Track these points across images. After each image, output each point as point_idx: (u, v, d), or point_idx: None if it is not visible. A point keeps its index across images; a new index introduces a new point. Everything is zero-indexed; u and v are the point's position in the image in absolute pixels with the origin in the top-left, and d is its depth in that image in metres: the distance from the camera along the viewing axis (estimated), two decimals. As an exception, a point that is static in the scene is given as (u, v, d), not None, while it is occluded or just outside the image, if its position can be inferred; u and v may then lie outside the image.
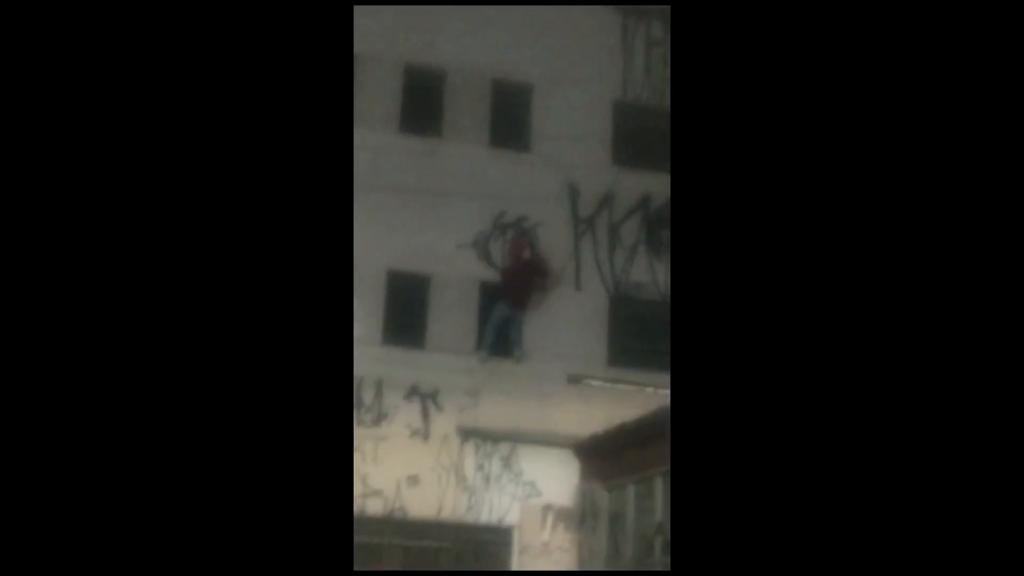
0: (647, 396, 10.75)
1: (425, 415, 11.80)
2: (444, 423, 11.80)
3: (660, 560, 10.01)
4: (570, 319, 12.41)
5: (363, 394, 11.64)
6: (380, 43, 12.47)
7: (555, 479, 11.81)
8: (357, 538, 10.90)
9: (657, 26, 13.45)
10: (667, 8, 12.75)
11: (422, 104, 12.60)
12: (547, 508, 11.81)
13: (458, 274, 12.25)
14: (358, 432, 11.40)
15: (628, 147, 13.08)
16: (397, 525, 11.39)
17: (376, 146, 11.90)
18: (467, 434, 11.80)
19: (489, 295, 12.23)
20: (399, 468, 11.51)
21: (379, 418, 11.60)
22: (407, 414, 11.69)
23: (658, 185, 12.78)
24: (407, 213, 12.08)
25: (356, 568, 11.17)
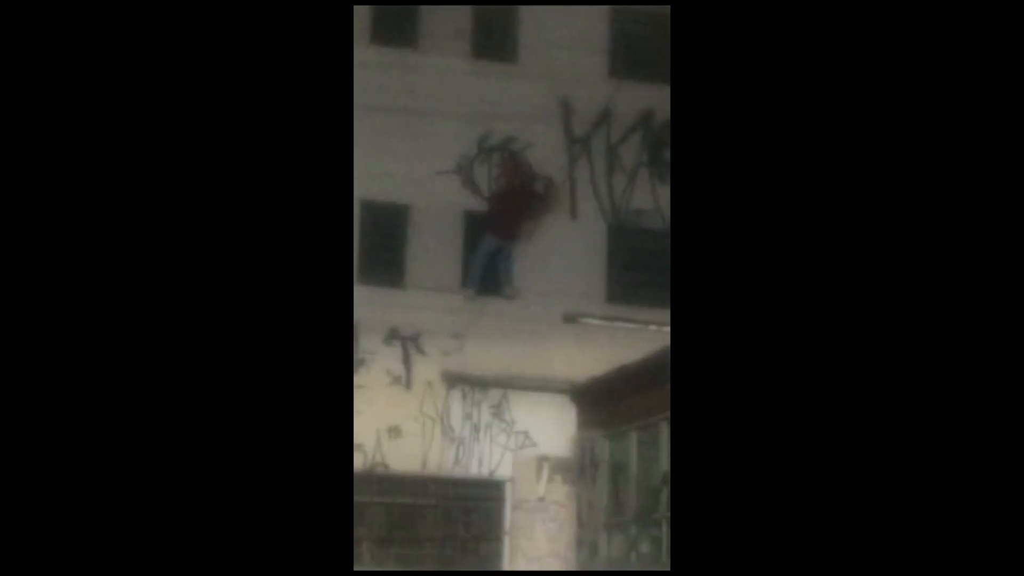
0: (650, 335, 10.43)
1: (406, 360, 11.28)
2: (427, 369, 11.33)
3: (666, 512, 9.61)
4: (565, 251, 11.80)
5: None
6: None
7: (550, 428, 11.41)
8: None
9: None
10: None
11: (395, 11, 11.88)
12: (542, 459, 11.37)
13: (440, 203, 11.60)
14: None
15: (627, 57, 12.28)
16: (378, 481, 10.98)
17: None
18: (453, 380, 11.32)
19: (475, 225, 11.60)
20: (379, 419, 10.98)
21: (356, 365, 10.93)
22: (387, 360, 11.18)
23: (661, 99, 11.79)
24: (381, 136, 11.19)
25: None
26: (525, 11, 12.10)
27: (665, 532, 9.84)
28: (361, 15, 11.68)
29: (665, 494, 9.87)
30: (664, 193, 12.27)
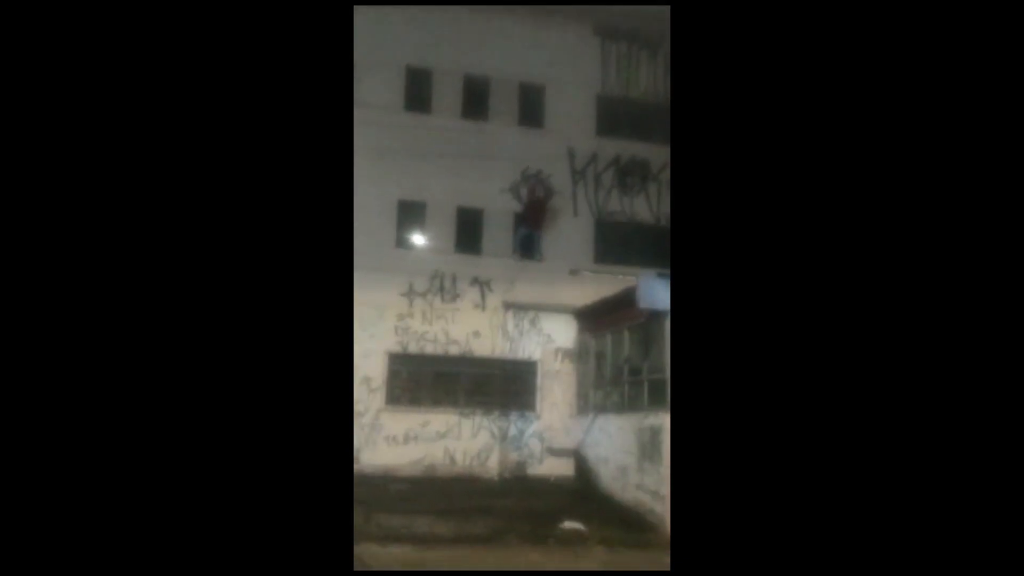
0: (619, 280, 12.39)
1: (483, 294, 13.78)
2: (494, 299, 13.78)
3: (627, 379, 11.77)
4: (571, 234, 14.32)
5: (444, 283, 13.66)
6: (444, 59, 14.20)
7: (562, 332, 13.80)
8: (443, 369, 13.39)
9: (623, 44, 15.06)
10: (634, 28, 14.71)
11: (475, 99, 14.40)
12: (558, 349, 13.82)
13: (500, 208, 14.10)
14: (443, 306, 13.47)
15: (605, 124, 14.86)
16: (468, 361, 13.65)
17: (446, 127, 14.04)
18: (508, 306, 13.80)
19: (519, 220, 14.08)
20: (468, 326, 13.68)
21: (455, 297, 13.68)
22: (472, 294, 13.75)
23: (625, 148, 14.84)
24: (468, 170, 13.93)
25: (440, 388, 13.11)
26: (549, 98, 14.52)
27: (626, 391, 11.79)
28: (455, 102, 13.99)
29: (626, 369, 11.85)
30: (627, 201, 14.62)
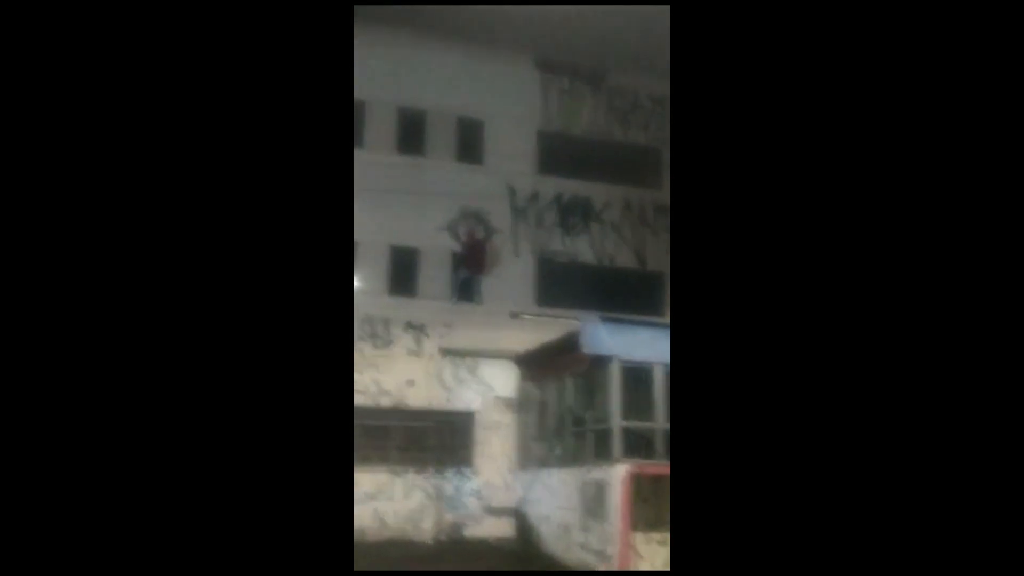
0: (561, 324, 12.01)
1: (418, 340, 13.14)
2: (430, 345, 13.14)
3: (569, 431, 11.46)
4: (511, 275, 13.84)
5: (376, 328, 12.89)
6: (378, 91, 13.48)
7: (502, 380, 13.23)
8: (373, 422, 12.23)
9: (565, 80, 14.52)
10: (575, 62, 14.31)
11: (411, 134, 13.77)
12: (497, 399, 13.22)
13: (437, 247, 13.51)
14: (374, 352, 12.92)
15: (547, 162, 14.44)
16: (400, 413, 12.80)
17: (380, 163, 13.29)
18: (445, 352, 13.12)
19: (457, 261, 13.49)
20: (401, 375, 12.92)
21: (387, 343, 12.95)
22: (406, 340, 13.11)
23: (567, 186, 14.46)
24: (403, 208, 13.32)
25: (369, 444, 11.65)
26: (487, 134, 13.98)
27: (568, 442, 11.48)
28: (390, 136, 13.41)
29: (568, 419, 11.55)
30: (568, 241, 14.22)
